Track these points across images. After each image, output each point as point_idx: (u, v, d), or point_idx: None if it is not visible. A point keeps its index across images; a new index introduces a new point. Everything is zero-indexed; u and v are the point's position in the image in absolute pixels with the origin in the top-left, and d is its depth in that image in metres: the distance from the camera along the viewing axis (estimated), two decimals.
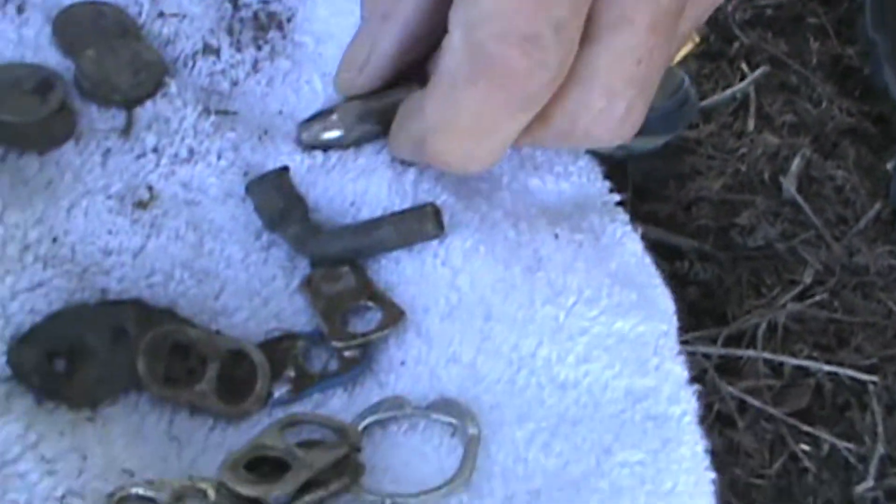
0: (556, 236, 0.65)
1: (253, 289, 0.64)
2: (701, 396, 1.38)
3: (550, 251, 0.64)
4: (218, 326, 0.63)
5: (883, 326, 1.59)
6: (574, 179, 0.69)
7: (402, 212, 0.65)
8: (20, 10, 0.69)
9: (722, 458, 1.47)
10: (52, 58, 0.68)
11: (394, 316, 0.63)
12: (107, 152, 0.65)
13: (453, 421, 0.60)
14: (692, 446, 0.61)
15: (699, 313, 1.59)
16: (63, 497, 0.55)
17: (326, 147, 0.68)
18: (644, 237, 0.65)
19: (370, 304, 0.64)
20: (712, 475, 0.61)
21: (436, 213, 0.64)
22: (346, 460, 0.58)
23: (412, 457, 0.59)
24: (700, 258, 1.62)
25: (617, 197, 0.69)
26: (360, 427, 0.60)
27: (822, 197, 1.69)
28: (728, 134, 1.77)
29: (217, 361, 0.61)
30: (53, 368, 0.59)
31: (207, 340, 0.62)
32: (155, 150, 0.66)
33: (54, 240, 0.62)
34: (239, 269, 0.65)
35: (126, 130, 0.66)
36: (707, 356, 1.53)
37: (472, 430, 0.59)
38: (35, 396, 0.58)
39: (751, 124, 1.79)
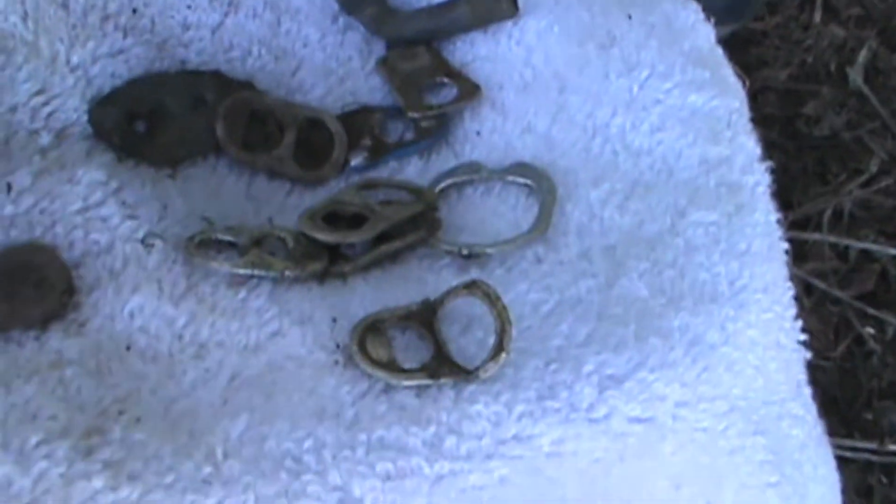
0: (630, 17, 0.65)
1: (329, 68, 0.65)
2: None
3: (624, 30, 0.65)
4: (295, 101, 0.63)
5: None
6: None
7: None
8: None
9: None
10: None
11: (469, 90, 0.63)
12: None
13: (529, 182, 0.60)
14: (766, 214, 0.61)
15: None
16: (144, 238, 0.56)
17: None
18: None
19: (446, 80, 0.64)
20: (785, 245, 0.61)
21: None
22: (422, 216, 0.59)
23: (488, 215, 0.60)
24: (766, 147, 1.60)
25: None
26: (437, 189, 0.60)
27: (887, 88, 1.67)
28: (794, 25, 1.75)
29: (294, 128, 0.62)
30: (134, 129, 0.60)
31: (285, 108, 0.62)
32: None
33: (134, 11, 0.63)
34: (316, 48, 0.65)
35: None
36: None
37: (547, 190, 0.59)
38: (116, 154, 0.58)
39: (817, 16, 1.77)
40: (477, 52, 0.64)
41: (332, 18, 0.66)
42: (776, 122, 1.65)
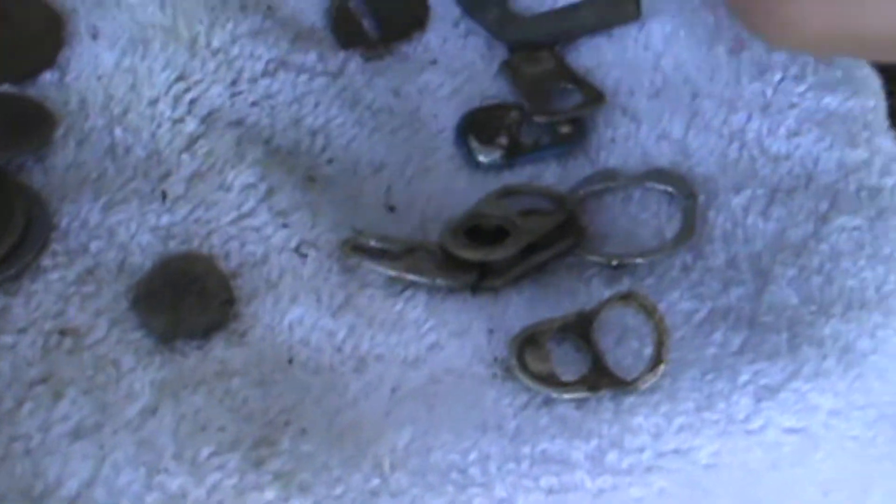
0: None
1: (454, 69, 0.65)
2: None
3: (751, 34, 0.65)
4: (424, 100, 0.64)
5: None
6: None
7: None
8: None
9: None
10: None
11: (594, 97, 0.64)
12: None
13: (669, 188, 0.61)
14: None
15: None
16: (298, 247, 0.57)
17: None
18: None
19: (570, 85, 0.64)
20: None
21: None
22: (566, 225, 0.59)
23: (630, 223, 0.61)
24: None
25: None
26: (577, 197, 0.61)
27: None
28: None
29: None
30: None
31: None
32: None
33: (269, 7, 0.64)
34: (438, 53, 0.66)
35: None
36: None
37: (688, 196, 0.60)
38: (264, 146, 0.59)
39: None
40: (603, 56, 0.65)
41: (453, 23, 0.66)
42: None
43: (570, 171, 0.63)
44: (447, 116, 0.64)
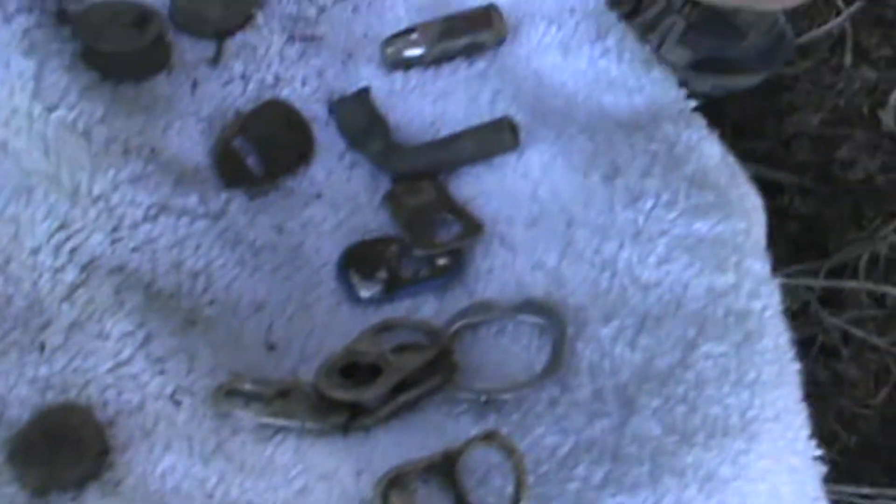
0: (632, 146, 0.66)
1: (337, 203, 0.67)
2: (804, 328, 1.38)
3: (627, 159, 0.66)
4: (307, 235, 0.66)
5: None
6: (647, 91, 0.70)
7: (480, 126, 0.67)
8: None
9: (827, 389, 1.46)
10: None
11: (472, 228, 0.65)
12: (195, 83, 0.69)
13: (540, 321, 0.62)
14: (775, 338, 0.62)
15: (801, 247, 1.57)
16: (173, 394, 0.59)
17: (408, 65, 0.71)
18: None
19: (450, 216, 0.66)
20: (796, 366, 0.62)
21: (512, 125, 0.66)
22: (438, 361, 0.61)
23: (502, 356, 0.62)
24: (800, 193, 1.61)
25: (693, 103, 0.71)
26: (451, 330, 0.62)
27: None
28: (825, 69, 1.75)
29: None
30: None
31: None
32: (242, 76, 0.70)
33: (152, 150, 0.66)
34: (323, 186, 0.67)
35: (215, 60, 0.69)
36: (810, 288, 1.52)
37: (557, 328, 0.61)
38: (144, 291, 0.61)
39: (848, 59, 1.77)
40: (483, 185, 0.67)
41: (338, 155, 0.68)
42: (810, 167, 1.65)
43: (447, 302, 0.64)
44: (330, 251, 0.66)
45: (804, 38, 1.78)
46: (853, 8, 1.79)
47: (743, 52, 1.37)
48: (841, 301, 1.53)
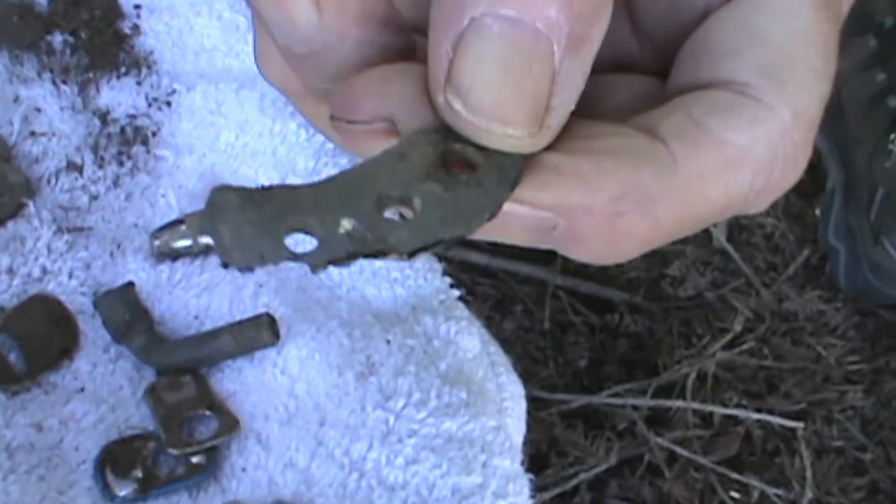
0: (389, 342, 0.68)
1: (101, 396, 0.68)
2: (630, 448, 1.41)
3: (383, 356, 0.68)
4: (67, 432, 0.66)
5: (812, 372, 1.62)
6: (410, 283, 0.72)
7: (240, 322, 0.69)
8: None
9: None
10: None
11: (229, 425, 0.67)
12: None
13: None
14: None
15: (630, 365, 1.62)
16: None
17: (177, 255, 0.72)
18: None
19: (208, 412, 0.67)
20: None
21: (271, 321, 0.68)
22: None
23: None
24: (631, 310, 1.66)
25: (456, 293, 0.73)
26: None
27: (751, 245, 1.73)
28: None
29: None
30: None
31: None
32: (10, 270, 0.70)
33: None
34: (86, 380, 0.68)
35: None
36: (636, 408, 1.57)
37: None
38: None
39: None
40: (244, 380, 0.68)
41: (103, 348, 0.69)
42: (641, 284, 1.70)
43: (201, 501, 0.65)
44: (90, 447, 0.66)
45: None
46: None
47: None
48: (667, 420, 1.57)
